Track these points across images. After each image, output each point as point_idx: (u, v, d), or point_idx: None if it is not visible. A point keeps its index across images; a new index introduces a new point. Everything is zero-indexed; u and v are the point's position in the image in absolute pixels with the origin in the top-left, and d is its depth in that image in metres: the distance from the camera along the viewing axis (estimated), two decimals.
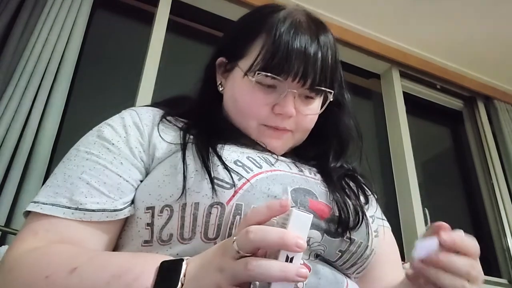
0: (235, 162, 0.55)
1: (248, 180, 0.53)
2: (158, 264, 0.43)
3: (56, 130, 1.51)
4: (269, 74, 0.60)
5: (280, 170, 0.58)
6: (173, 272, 0.41)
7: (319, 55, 0.61)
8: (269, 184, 0.54)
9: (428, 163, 2.57)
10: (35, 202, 0.54)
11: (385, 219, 0.74)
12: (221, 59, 0.70)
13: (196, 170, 0.54)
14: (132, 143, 0.59)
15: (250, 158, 0.57)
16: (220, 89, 0.69)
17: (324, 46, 0.62)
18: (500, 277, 2.34)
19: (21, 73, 1.49)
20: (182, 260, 0.42)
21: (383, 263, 0.66)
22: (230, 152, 0.58)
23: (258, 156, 0.59)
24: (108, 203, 0.54)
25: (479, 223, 2.53)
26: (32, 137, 1.43)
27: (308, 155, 0.69)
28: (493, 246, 2.44)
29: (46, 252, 0.49)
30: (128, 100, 1.80)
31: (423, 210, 2.20)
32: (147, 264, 0.43)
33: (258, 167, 0.56)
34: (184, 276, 0.41)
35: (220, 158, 0.55)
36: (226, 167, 0.54)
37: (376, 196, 0.72)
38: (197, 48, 2.22)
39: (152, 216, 0.53)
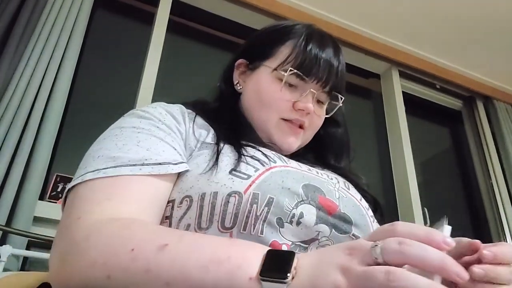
0: (252, 157, 0.60)
1: (263, 172, 0.57)
2: (264, 252, 0.39)
3: (56, 130, 1.51)
4: (300, 72, 0.68)
5: (292, 167, 0.62)
6: (283, 263, 0.38)
7: (339, 68, 0.72)
8: (283, 177, 0.57)
9: (427, 163, 2.58)
10: (92, 172, 0.51)
11: None
12: (241, 60, 0.77)
13: (216, 164, 0.57)
14: (173, 128, 0.61)
15: (265, 155, 0.62)
16: (239, 87, 0.76)
17: (341, 61, 0.73)
18: None
19: (22, 73, 1.49)
20: (293, 252, 0.39)
21: None
22: (248, 149, 0.62)
23: (273, 153, 0.64)
24: (168, 161, 0.56)
25: (478, 223, 2.54)
26: (33, 137, 1.43)
27: (309, 159, 0.75)
28: None
29: (128, 224, 0.46)
30: (128, 100, 1.80)
31: (423, 210, 2.20)
32: (248, 252, 0.40)
33: (273, 161, 0.61)
34: (295, 269, 0.37)
35: (238, 152, 0.60)
36: (244, 160, 0.58)
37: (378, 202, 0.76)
38: (197, 48, 2.23)
39: (172, 208, 0.56)
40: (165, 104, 0.67)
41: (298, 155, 0.73)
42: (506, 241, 2.38)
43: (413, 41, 2.53)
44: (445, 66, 2.67)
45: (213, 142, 0.62)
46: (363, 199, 0.67)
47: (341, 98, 0.74)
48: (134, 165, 0.52)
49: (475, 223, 2.55)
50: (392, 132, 2.48)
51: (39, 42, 1.58)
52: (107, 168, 0.51)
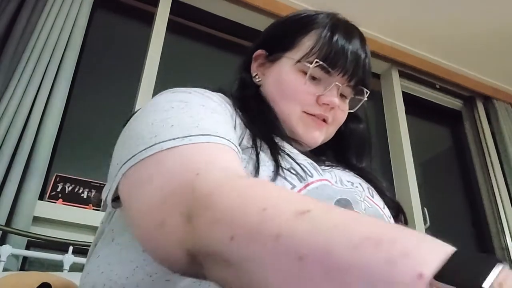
0: (289, 169, 0.55)
1: (300, 190, 0.53)
2: (449, 251, 0.26)
3: (56, 130, 1.51)
4: (325, 65, 0.65)
5: (326, 180, 0.59)
6: (479, 269, 0.24)
7: (366, 60, 0.69)
8: (318, 195, 0.55)
9: (427, 162, 2.58)
10: (172, 139, 0.43)
11: None
12: (260, 51, 0.73)
13: (257, 175, 0.52)
14: (232, 119, 0.58)
15: (302, 165, 0.57)
16: (257, 80, 0.72)
17: (368, 54, 0.70)
18: None
19: (22, 73, 1.49)
20: (499, 261, 0.25)
21: None
22: (285, 158, 0.57)
23: (308, 163, 0.60)
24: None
25: (478, 223, 2.54)
26: (32, 137, 1.43)
27: (329, 157, 0.72)
28: (492, 246, 2.44)
29: (260, 182, 0.40)
30: (128, 100, 1.81)
31: (423, 210, 2.20)
32: (424, 243, 0.27)
33: (310, 175, 0.57)
34: (499, 286, 0.23)
35: (276, 162, 0.54)
36: (281, 173, 0.53)
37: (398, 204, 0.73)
38: (197, 48, 2.23)
39: None
40: (207, 91, 0.60)
41: (319, 151, 0.70)
42: (506, 241, 2.38)
43: (413, 41, 2.53)
44: (445, 66, 2.67)
45: (249, 146, 0.56)
46: (386, 207, 0.65)
47: (367, 93, 0.71)
48: (220, 137, 0.46)
49: (475, 223, 2.55)
50: (392, 132, 2.48)
51: (39, 41, 1.57)
52: (192, 135, 0.44)
